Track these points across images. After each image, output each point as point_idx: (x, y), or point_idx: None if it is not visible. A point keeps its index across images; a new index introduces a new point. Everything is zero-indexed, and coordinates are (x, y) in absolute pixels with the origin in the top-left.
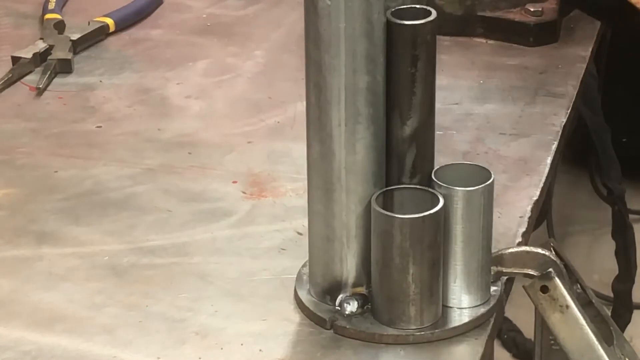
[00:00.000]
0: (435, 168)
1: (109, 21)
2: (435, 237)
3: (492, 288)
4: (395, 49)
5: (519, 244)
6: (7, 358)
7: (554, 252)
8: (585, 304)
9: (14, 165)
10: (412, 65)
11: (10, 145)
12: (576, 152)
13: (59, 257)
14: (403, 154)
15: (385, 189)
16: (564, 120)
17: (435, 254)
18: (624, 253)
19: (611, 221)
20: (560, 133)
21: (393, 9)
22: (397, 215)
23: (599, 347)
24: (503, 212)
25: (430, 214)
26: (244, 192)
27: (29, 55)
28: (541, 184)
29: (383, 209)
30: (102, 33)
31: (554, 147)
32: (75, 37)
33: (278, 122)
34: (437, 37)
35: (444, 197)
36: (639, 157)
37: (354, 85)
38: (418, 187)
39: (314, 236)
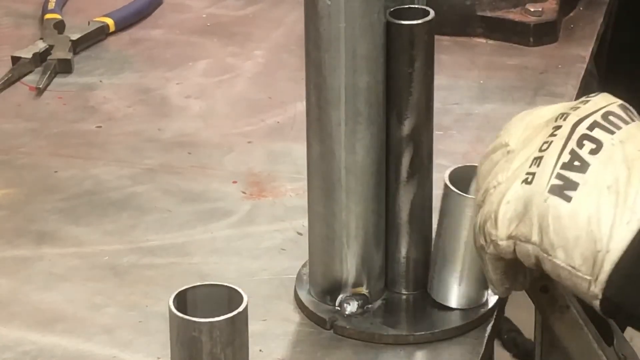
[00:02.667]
0: (451, 169)
1: (109, 21)
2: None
3: None
4: (393, 48)
5: None
6: (7, 358)
7: None
8: (585, 303)
9: (14, 165)
10: (410, 65)
11: (10, 145)
12: None
13: (59, 257)
14: (400, 153)
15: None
16: None
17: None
18: None
19: None
20: None
21: (392, 9)
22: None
23: (599, 347)
24: None
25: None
26: (244, 192)
27: (29, 55)
28: None
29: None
30: (102, 33)
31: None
32: (75, 37)
33: (278, 122)
34: (437, 37)
35: (454, 201)
36: None
37: (354, 85)
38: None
39: (314, 236)
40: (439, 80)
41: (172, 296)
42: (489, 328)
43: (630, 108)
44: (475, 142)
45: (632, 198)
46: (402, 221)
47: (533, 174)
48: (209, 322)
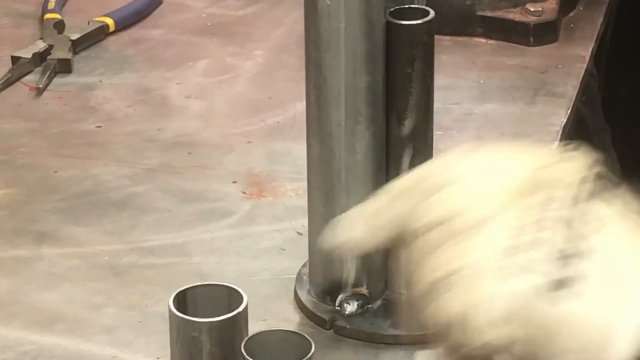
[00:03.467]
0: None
1: (109, 21)
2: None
3: None
4: (392, 48)
5: None
6: (7, 358)
7: None
8: None
9: (14, 165)
10: (409, 65)
11: (10, 145)
12: None
13: (59, 257)
14: (400, 153)
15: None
16: (564, 120)
17: None
18: None
19: None
20: (560, 133)
21: (392, 9)
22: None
23: None
24: None
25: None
26: (244, 192)
27: (29, 55)
28: None
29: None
30: (102, 33)
31: (554, 147)
32: (75, 37)
33: (278, 122)
34: (437, 37)
35: None
36: (639, 157)
37: (354, 85)
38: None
39: (314, 236)
40: (439, 80)
41: (172, 296)
42: None
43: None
44: (475, 142)
45: (636, 292)
46: None
47: (521, 266)
48: (209, 322)
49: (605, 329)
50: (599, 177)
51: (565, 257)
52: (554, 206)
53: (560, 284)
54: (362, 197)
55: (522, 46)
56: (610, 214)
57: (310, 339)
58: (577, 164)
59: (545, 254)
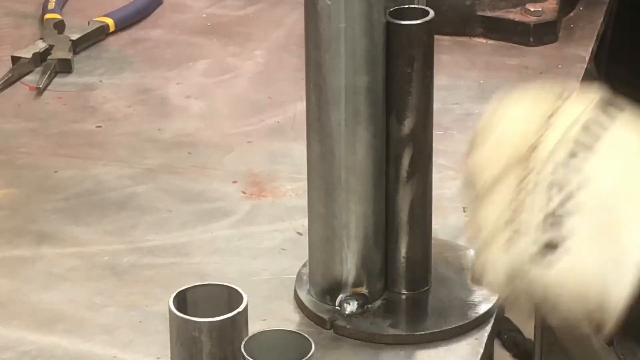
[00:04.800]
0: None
1: (109, 21)
2: None
3: None
4: (392, 48)
5: None
6: (7, 358)
7: None
8: None
9: (14, 165)
10: (409, 65)
11: (10, 145)
12: None
13: (59, 257)
14: (400, 153)
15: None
16: None
17: None
18: None
19: None
20: None
21: (392, 9)
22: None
23: (600, 347)
24: None
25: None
26: (244, 192)
27: (29, 55)
28: None
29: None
30: (102, 33)
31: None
32: (75, 37)
33: (278, 122)
34: (437, 37)
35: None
36: None
37: (354, 85)
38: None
39: (314, 236)
40: (439, 80)
41: (172, 296)
42: (489, 328)
43: (610, 100)
44: None
45: (625, 239)
46: (402, 221)
47: (518, 233)
48: (209, 322)
49: (597, 277)
50: (592, 117)
51: (554, 217)
52: (534, 176)
53: (550, 246)
54: (362, 197)
55: (522, 46)
56: (589, 165)
57: (310, 339)
58: (571, 109)
59: (537, 219)
